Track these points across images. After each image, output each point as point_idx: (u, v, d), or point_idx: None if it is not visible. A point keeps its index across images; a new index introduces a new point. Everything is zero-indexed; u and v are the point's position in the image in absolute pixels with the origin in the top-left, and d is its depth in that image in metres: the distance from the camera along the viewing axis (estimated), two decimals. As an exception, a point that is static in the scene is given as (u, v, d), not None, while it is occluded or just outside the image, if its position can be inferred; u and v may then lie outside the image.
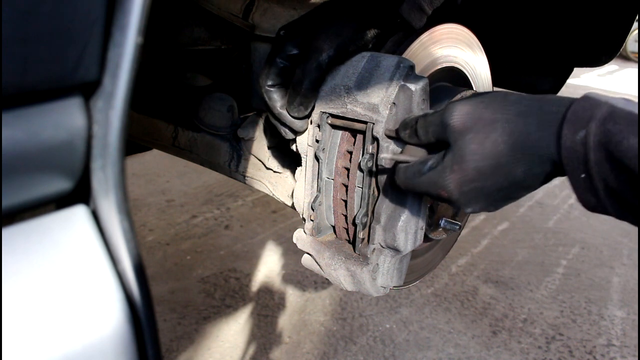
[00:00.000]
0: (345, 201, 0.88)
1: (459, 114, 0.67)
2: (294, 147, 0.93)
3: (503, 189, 0.66)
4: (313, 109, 0.86)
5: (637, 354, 2.27)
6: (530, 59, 1.68)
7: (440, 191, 0.69)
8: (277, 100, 0.85)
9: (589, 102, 0.59)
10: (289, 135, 0.90)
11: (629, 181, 0.55)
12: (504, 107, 0.65)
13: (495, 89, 1.22)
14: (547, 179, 0.65)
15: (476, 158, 0.65)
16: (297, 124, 0.86)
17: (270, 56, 0.85)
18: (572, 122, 0.59)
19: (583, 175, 0.59)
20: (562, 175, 0.64)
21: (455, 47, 0.99)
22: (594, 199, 0.60)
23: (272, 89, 0.85)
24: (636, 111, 0.57)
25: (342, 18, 0.83)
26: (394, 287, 0.90)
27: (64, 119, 0.45)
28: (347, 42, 0.82)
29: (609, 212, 0.60)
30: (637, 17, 1.50)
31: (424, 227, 0.86)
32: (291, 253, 2.80)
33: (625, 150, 0.55)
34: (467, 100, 0.68)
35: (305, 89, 0.82)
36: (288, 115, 0.86)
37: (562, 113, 0.61)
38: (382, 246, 0.85)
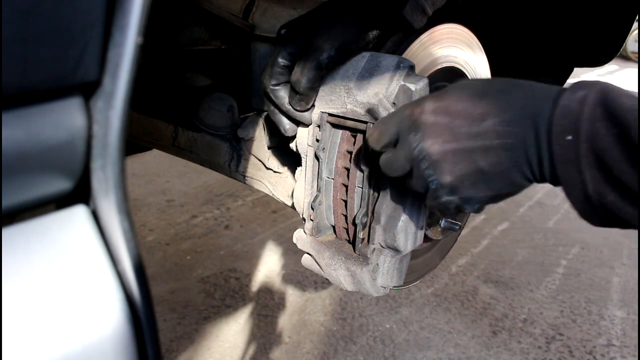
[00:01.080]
0: (345, 201, 0.88)
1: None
2: (293, 147, 0.93)
3: (470, 131, 0.63)
4: (314, 105, 0.86)
5: (637, 354, 2.27)
6: (530, 59, 1.68)
7: (414, 108, 0.67)
8: (284, 97, 0.86)
9: (589, 80, 0.61)
10: (289, 132, 0.90)
11: (619, 140, 0.55)
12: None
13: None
14: (528, 162, 0.62)
15: (459, 94, 0.64)
16: (305, 116, 0.87)
17: (272, 55, 0.85)
18: (573, 87, 0.60)
19: (570, 138, 0.57)
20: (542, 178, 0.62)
21: (455, 47, 0.99)
22: (574, 170, 0.58)
23: (277, 88, 0.86)
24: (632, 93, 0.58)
25: (344, 19, 0.83)
26: (394, 287, 0.90)
27: (64, 119, 0.45)
28: (348, 42, 0.82)
29: (586, 190, 0.58)
30: (637, 17, 1.50)
31: (424, 227, 0.87)
32: (291, 253, 2.80)
33: (620, 105, 0.55)
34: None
35: (303, 87, 0.82)
36: (295, 111, 0.87)
37: (557, 88, 0.61)
38: (382, 246, 0.85)
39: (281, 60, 0.84)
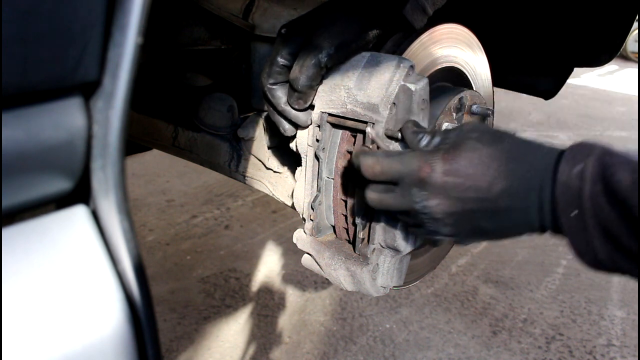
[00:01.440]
0: (345, 201, 0.88)
1: (473, 124, 0.69)
2: (293, 147, 0.93)
3: (479, 194, 0.65)
4: (312, 105, 0.86)
5: (637, 354, 2.27)
6: (530, 59, 1.68)
7: (424, 166, 0.67)
8: (280, 97, 0.86)
9: (586, 143, 0.61)
10: (289, 132, 0.90)
11: (622, 216, 0.56)
12: (511, 135, 0.68)
13: (495, 89, 1.22)
14: (529, 225, 0.65)
15: (470, 156, 0.65)
16: (301, 117, 0.87)
17: (272, 55, 0.85)
18: (570, 158, 0.60)
19: (575, 212, 0.59)
20: (545, 230, 0.64)
21: (455, 47, 0.99)
22: (584, 240, 0.59)
23: (274, 87, 0.85)
24: (632, 153, 0.58)
25: (344, 17, 0.83)
26: (394, 287, 0.90)
27: (64, 119, 0.45)
28: (348, 41, 0.82)
29: (598, 257, 0.59)
30: (637, 17, 1.50)
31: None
32: (291, 253, 2.80)
33: (620, 181, 0.55)
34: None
35: (302, 85, 0.82)
36: (292, 110, 0.86)
37: (556, 154, 0.62)
38: (382, 246, 0.85)
39: (280, 60, 0.84)
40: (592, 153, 0.59)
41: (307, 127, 0.89)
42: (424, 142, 0.71)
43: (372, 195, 0.73)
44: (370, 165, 0.72)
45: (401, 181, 0.70)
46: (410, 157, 0.70)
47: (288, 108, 0.86)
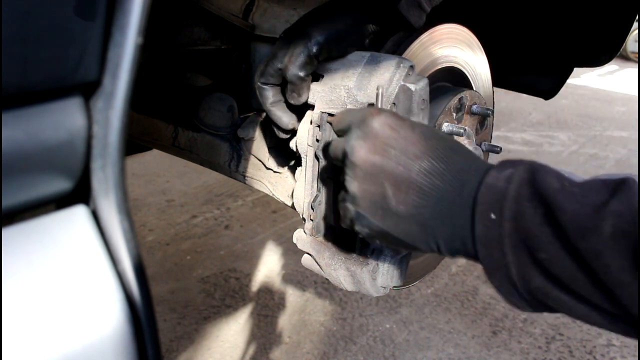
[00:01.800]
0: (345, 201, 0.88)
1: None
2: (293, 147, 0.93)
3: (396, 181, 0.61)
4: (300, 108, 0.86)
5: (637, 354, 2.27)
6: (530, 59, 1.68)
7: (374, 111, 0.65)
8: (268, 97, 0.86)
9: (518, 159, 0.60)
10: (282, 134, 0.90)
11: (546, 221, 0.53)
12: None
13: (496, 89, 1.22)
14: (433, 234, 0.61)
15: (415, 130, 0.63)
16: (284, 120, 0.87)
17: (270, 56, 0.85)
18: (501, 166, 0.59)
19: (493, 217, 0.55)
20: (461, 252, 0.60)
21: (455, 47, 0.99)
22: (497, 252, 0.55)
23: (264, 87, 0.85)
24: (563, 171, 0.56)
25: (338, 12, 0.82)
26: (394, 287, 0.90)
27: (64, 119, 0.45)
28: (340, 33, 0.80)
29: (510, 274, 0.55)
30: (637, 17, 1.50)
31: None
32: (291, 253, 2.80)
33: (549, 186, 0.54)
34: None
35: (291, 75, 0.80)
36: (276, 112, 0.87)
37: (489, 164, 0.60)
38: (382, 246, 0.85)
39: (277, 63, 0.83)
40: (524, 163, 0.58)
41: (290, 131, 0.89)
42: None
43: (332, 144, 0.71)
44: (335, 119, 0.74)
45: (349, 127, 0.67)
46: (367, 108, 0.70)
47: (273, 109, 0.86)
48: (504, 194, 0.56)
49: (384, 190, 0.62)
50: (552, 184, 0.54)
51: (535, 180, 0.55)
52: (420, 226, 0.61)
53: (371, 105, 0.79)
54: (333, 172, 0.84)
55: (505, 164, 0.59)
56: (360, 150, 0.63)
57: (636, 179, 0.52)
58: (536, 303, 0.57)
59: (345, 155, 0.66)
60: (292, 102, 0.85)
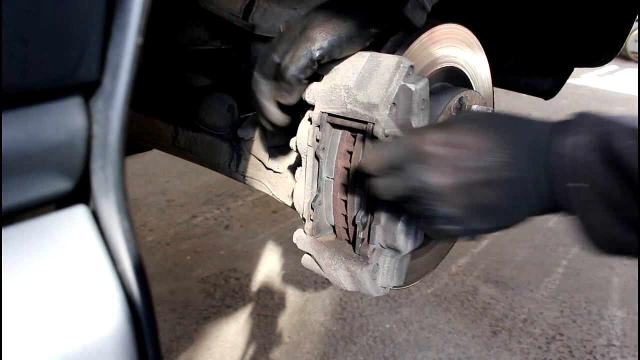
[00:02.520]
0: (345, 201, 0.88)
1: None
2: (293, 147, 0.93)
3: (480, 184, 0.63)
4: (305, 104, 0.86)
5: (637, 354, 2.27)
6: (531, 59, 1.68)
7: (419, 140, 0.66)
8: (263, 91, 0.85)
9: (581, 113, 0.60)
10: (269, 127, 0.90)
11: (623, 182, 0.54)
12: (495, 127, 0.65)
13: (495, 89, 1.22)
14: (528, 201, 0.63)
15: (465, 132, 0.64)
16: (275, 115, 0.86)
17: (268, 51, 0.84)
18: (563, 129, 0.59)
19: (573, 185, 0.57)
20: (546, 210, 0.62)
21: (455, 47, 0.99)
22: (586, 214, 0.57)
23: (261, 80, 0.84)
24: (630, 119, 0.56)
25: (341, 14, 0.81)
26: (394, 287, 0.90)
27: (64, 119, 0.45)
28: (343, 38, 0.80)
29: (598, 233, 0.57)
30: (637, 17, 1.50)
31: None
32: (291, 253, 2.80)
33: (620, 148, 0.54)
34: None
35: (290, 76, 0.79)
36: (269, 106, 0.86)
37: (550, 125, 0.60)
38: (382, 246, 0.85)
39: (275, 57, 0.82)
40: (587, 122, 0.58)
41: (281, 126, 0.89)
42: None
43: (379, 183, 0.71)
44: (368, 159, 0.72)
45: (403, 164, 0.68)
46: (406, 137, 0.69)
47: (266, 103, 0.85)
48: (574, 162, 0.57)
49: (480, 197, 0.64)
50: (624, 145, 0.54)
51: (604, 144, 0.55)
52: (515, 207, 0.64)
53: (405, 128, 0.78)
54: (383, 203, 0.82)
55: (568, 125, 0.59)
56: (436, 180, 0.65)
57: None
58: (622, 252, 0.59)
59: (418, 190, 0.66)
60: (280, 100, 0.84)
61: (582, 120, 0.59)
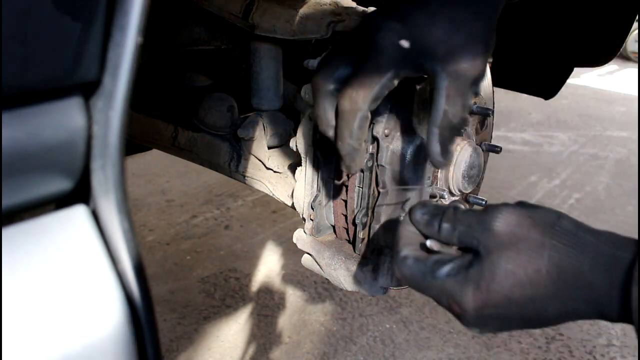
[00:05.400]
0: (345, 201, 0.88)
1: (505, 222, 0.55)
2: (293, 147, 0.93)
3: (526, 321, 0.56)
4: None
5: (637, 354, 2.27)
6: (530, 59, 1.68)
7: (453, 305, 0.58)
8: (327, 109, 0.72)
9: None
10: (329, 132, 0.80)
11: None
12: (555, 232, 0.54)
13: (495, 89, 1.22)
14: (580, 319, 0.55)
15: (510, 283, 0.54)
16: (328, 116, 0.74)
17: (351, 78, 0.69)
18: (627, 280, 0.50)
19: None
20: (610, 320, 0.53)
21: (455, 47, 0.99)
22: None
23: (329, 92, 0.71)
24: None
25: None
26: (394, 287, 0.90)
27: (64, 119, 0.45)
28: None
29: None
30: (637, 17, 1.50)
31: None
32: (291, 253, 2.80)
33: None
34: (514, 210, 0.57)
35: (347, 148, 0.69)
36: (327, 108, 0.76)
37: (627, 261, 0.50)
38: (382, 246, 0.85)
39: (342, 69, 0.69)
40: None
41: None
42: (445, 269, 0.58)
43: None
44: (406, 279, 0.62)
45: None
46: (439, 291, 0.59)
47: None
48: None
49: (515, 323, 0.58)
50: None
51: None
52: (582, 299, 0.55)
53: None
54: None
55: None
56: (480, 329, 0.59)
57: None
58: None
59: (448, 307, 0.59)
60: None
61: None
